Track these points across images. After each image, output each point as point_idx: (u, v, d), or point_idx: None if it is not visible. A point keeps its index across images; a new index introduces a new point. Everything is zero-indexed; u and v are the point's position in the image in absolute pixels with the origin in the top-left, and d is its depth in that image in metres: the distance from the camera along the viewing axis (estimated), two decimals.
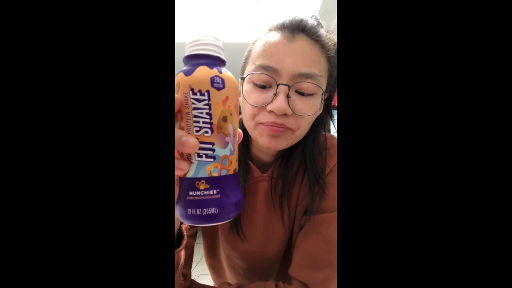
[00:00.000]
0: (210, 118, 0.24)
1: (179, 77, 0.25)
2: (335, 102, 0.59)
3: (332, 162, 0.49)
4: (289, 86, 0.41)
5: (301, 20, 0.44)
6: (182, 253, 0.42)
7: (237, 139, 0.27)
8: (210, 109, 0.24)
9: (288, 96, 0.41)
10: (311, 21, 0.44)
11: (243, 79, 0.45)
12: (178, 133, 0.25)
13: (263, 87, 0.42)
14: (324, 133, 0.52)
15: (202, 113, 0.24)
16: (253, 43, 0.47)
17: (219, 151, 0.25)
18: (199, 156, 0.25)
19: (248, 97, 0.43)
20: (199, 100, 0.24)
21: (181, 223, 0.41)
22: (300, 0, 1.86)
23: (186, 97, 0.24)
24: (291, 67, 0.41)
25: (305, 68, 0.41)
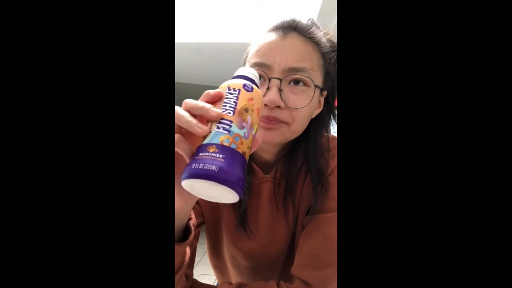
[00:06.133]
0: (235, 105, 0.31)
1: (222, 84, 0.34)
2: (335, 102, 0.59)
3: (333, 162, 0.49)
4: (280, 80, 0.43)
5: (293, 20, 0.46)
6: (188, 250, 0.42)
7: (253, 132, 0.32)
8: (237, 99, 0.32)
9: (280, 90, 0.43)
10: (305, 21, 0.47)
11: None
12: (207, 105, 0.31)
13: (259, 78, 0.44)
14: (326, 134, 0.52)
15: (230, 100, 0.31)
16: (249, 46, 0.49)
17: (235, 129, 0.30)
18: (218, 128, 0.30)
19: None
20: (231, 93, 0.32)
21: (189, 219, 0.42)
22: (300, 0, 1.86)
23: (223, 93, 0.32)
24: (282, 62, 0.43)
25: (296, 63, 0.43)
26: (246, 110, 0.32)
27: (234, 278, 0.60)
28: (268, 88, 0.43)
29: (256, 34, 0.49)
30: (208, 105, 0.30)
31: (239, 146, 0.30)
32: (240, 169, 0.30)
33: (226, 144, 0.29)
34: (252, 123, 0.32)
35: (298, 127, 0.45)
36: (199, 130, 0.29)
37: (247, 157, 0.31)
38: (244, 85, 0.33)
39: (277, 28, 0.46)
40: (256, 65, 0.44)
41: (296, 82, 0.44)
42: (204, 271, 1.27)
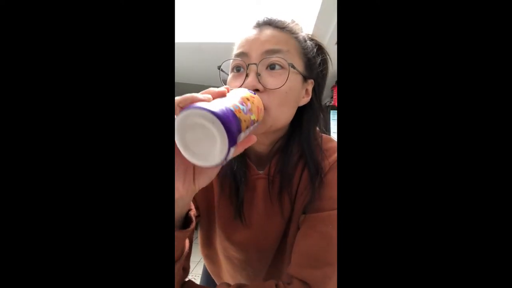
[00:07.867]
0: (239, 96, 0.36)
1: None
2: (335, 102, 0.59)
3: (329, 162, 0.49)
4: (256, 64, 0.45)
5: (268, 18, 0.50)
6: (187, 242, 0.42)
7: (252, 118, 0.35)
8: (241, 94, 0.37)
9: (258, 74, 0.44)
10: (280, 18, 0.50)
11: (219, 67, 0.50)
12: (211, 89, 0.34)
13: (238, 69, 0.47)
14: (321, 134, 0.52)
15: (234, 94, 0.36)
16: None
17: (236, 101, 0.34)
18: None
19: (228, 85, 0.48)
20: (234, 92, 0.37)
21: (189, 209, 0.42)
22: (299, 0, 1.86)
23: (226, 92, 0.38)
24: (259, 48, 0.45)
25: (271, 46, 0.45)
26: (248, 99, 0.36)
27: (226, 268, 0.61)
28: (247, 75, 0.44)
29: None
30: (213, 89, 0.34)
31: (237, 112, 0.32)
32: (236, 127, 0.30)
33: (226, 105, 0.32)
34: (251, 109, 0.36)
35: (277, 112, 0.45)
36: (205, 98, 0.31)
37: (242, 129, 0.32)
38: (247, 90, 0.39)
39: (254, 27, 0.49)
40: (236, 56, 0.46)
41: (273, 67, 0.45)
42: None
